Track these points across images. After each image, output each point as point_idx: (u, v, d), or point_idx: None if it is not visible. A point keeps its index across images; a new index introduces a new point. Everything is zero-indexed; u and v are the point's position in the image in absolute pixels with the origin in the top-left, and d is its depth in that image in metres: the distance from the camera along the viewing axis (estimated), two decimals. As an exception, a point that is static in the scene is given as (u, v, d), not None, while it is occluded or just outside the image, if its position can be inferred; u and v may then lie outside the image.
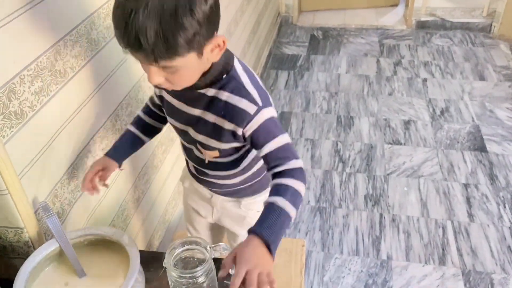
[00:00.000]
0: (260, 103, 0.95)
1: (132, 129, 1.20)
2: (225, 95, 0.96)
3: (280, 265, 1.57)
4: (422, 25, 4.13)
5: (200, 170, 1.18)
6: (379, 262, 2.08)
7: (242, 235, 1.31)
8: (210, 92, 0.98)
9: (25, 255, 0.99)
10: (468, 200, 2.37)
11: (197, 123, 1.03)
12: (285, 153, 0.96)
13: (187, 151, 1.18)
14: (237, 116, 0.95)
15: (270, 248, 0.84)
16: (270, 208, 0.89)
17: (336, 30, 4.20)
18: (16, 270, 0.90)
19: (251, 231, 0.86)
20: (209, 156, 1.09)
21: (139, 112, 1.23)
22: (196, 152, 1.13)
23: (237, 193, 1.24)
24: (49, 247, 0.95)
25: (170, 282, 0.91)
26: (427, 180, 2.50)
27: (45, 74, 1.01)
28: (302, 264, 1.59)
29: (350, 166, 2.62)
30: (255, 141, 0.98)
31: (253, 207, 1.26)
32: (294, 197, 0.91)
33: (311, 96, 3.26)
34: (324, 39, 4.06)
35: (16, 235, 0.99)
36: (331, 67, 3.60)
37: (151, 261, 1.05)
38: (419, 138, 2.82)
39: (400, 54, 3.75)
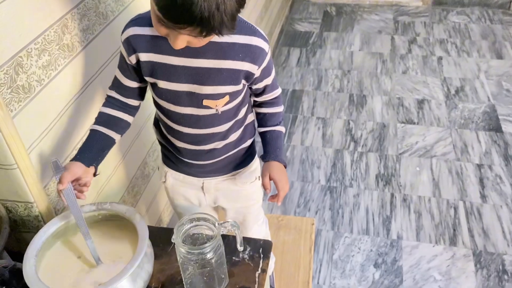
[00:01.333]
0: (266, 38, 1.01)
1: (98, 128, 1.05)
2: (240, 38, 0.97)
3: (290, 242, 1.58)
4: (438, 2, 4.02)
5: (197, 141, 1.11)
6: (389, 241, 2.07)
7: (239, 208, 1.31)
8: (223, 38, 0.94)
9: (35, 229, 1.00)
10: (481, 181, 2.34)
11: (206, 75, 0.98)
12: (273, 84, 1.13)
13: (181, 122, 1.08)
14: (257, 56, 0.99)
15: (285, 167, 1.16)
16: (278, 136, 1.18)
17: (350, 7, 4.11)
18: (27, 244, 0.91)
19: (276, 158, 1.14)
20: (221, 104, 1.04)
21: (101, 108, 1.09)
22: (200, 112, 1.05)
23: (230, 164, 1.21)
24: (60, 221, 0.96)
25: (178, 258, 0.91)
26: (439, 160, 2.47)
27: (53, 48, 1.00)
28: (312, 242, 1.59)
29: (362, 146, 2.59)
30: (259, 78, 1.06)
31: (247, 180, 1.26)
32: (283, 120, 1.21)
33: (323, 74, 3.21)
34: (338, 15, 3.98)
35: (26, 210, 1.00)
36: (344, 45, 3.53)
37: (160, 237, 1.06)
38: (432, 117, 2.77)
39: (415, 32, 3.66)
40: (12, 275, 0.94)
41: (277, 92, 1.16)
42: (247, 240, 1.06)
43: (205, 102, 1.02)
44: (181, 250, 0.88)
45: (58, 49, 1.02)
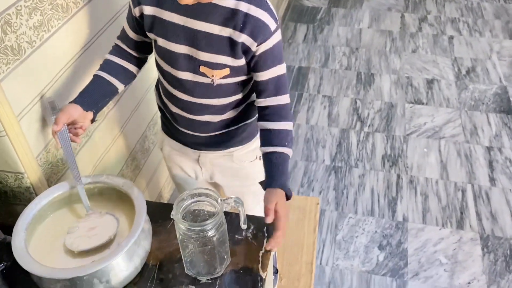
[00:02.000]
0: (278, 21, 0.94)
1: (102, 73, 1.02)
2: (245, 7, 0.91)
3: (293, 222, 1.53)
4: (451, -21, 3.88)
5: (191, 109, 1.06)
6: (394, 223, 2.02)
7: (237, 186, 1.25)
8: (228, 3, 0.91)
9: (27, 202, 0.94)
10: (490, 164, 2.27)
11: (205, 39, 0.94)
12: (281, 84, 1.00)
13: (177, 87, 1.04)
14: (257, 30, 0.92)
15: (287, 197, 0.97)
16: (285, 160, 0.99)
17: (359, -17, 3.97)
18: (18, 217, 0.86)
19: (284, 188, 0.96)
20: (218, 75, 0.98)
21: (106, 56, 1.06)
22: (196, 79, 1.00)
23: (227, 141, 1.15)
24: (53, 193, 0.90)
25: (178, 235, 0.85)
26: (448, 142, 2.40)
27: (45, 7, 0.92)
28: (316, 222, 1.54)
29: (369, 125, 2.52)
30: (261, 62, 0.96)
31: (245, 158, 1.20)
32: (292, 139, 1.03)
33: (330, 51, 3.12)
34: (346, -9, 3.85)
35: (17, 180, 0.94)
36: (353, 21, 3.43)
37: (160, 212, 1.00)
38: (442, 98, 2.69)
39: (426, 10, 3.54)
40: (2, 249, 0.89)
41: (284, 99, 1.01)
42: (250, 218, 1.00)
43: (202, 68, 0.98)
44: (181, 226, 0.82)
45: (51, 9, 0.94)
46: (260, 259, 0.93)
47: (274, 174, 0.98)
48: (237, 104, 1.08)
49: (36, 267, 0.77)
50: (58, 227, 0.90)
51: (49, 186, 0.99)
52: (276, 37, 0.95)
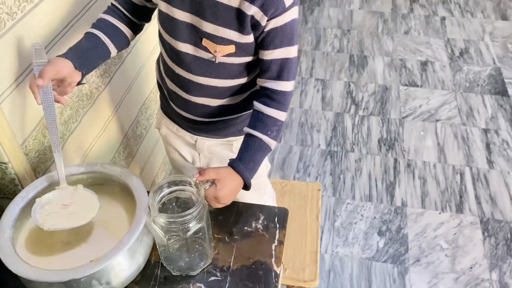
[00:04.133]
0: None
1: (97, 33, 0.91)
2: None
3: (295, 210, 1.45)
4: (441, -41, 3.82)
5: (189, 88, 0.96)
6: (393, 208, 1.97)
7: None
8: None
9: (12, 195, 0.84)
10: (487, 146, 2.24)
11: (211, 8, 0.85)
12: (286, 68, 0.91)
13: (176, 60, 0.95)
14: (269, 2, 0.83)
15: (245, 185, 0.88)
16: (257, 144, 0.89)
17: (348, -37, 3.87)
18: (2, 213, 0.76)
19: (238, 169, 0.86)
20: (222, 51, 0.89)
21: (101, 15, 0.96)
22: (196, 53, 0.91)
23: (225, 128, 1.06)
24: (41, 185, 0.81)
25: (156, 233, 0.76)
26: (444, 125, 2.36)
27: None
28: (319, 209, 1.46)
29: (363, 109, 2.46)
30: (268, 40, 0.87)
31: None
32: (278, 132, 0.93)
33: (321, 33, 3.03)
34: (335, -28, 3.75)
35: (0, 172, 0.84)
36: (343, 2, 3.34)
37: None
38: (436, 80, 2.64)
39: (417, -10, 3.47)
40: (-15, 248, 0.79)
41: (285, 85, 0.93)
42: (260, 208, 0.92)
43: (204, 42, 0.89)
44: (160, 220, 0.73)
45: (34, -22, 0.83)
46: (274, 252, 0.85)
47: (244, 157, 0.88)
48: (240, 89, 0.99)
49: (26, 269, 0.68)
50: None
51: (37, 177, 0.89)
52: (290, 15, 0.86)
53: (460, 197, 2.01)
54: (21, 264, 0.69)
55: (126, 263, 0.73)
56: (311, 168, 2.16)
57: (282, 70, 0.91)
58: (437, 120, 2.38)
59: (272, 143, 0.91)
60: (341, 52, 2.86)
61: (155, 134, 1.53)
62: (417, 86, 2.60)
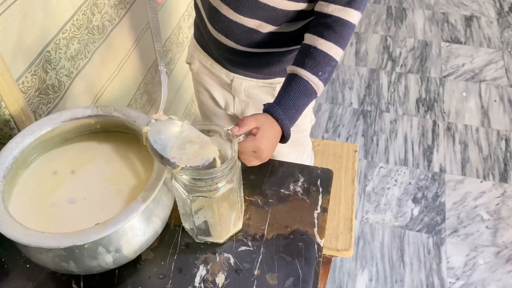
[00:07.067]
0: None
1: None
2: None
3: (328, 172, 1.30)
4: None
5: (239, 2, 0.79)
6: (430, 174, 1.81)
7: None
8: None
9: (5, 139, 0.71)
10: (537, 111, 2.03)
11: None
12: None
13: None
14: None
15: (283, 137, 0.73)
16: (302, 87, 0.73)
17: None
18: (-6, 159, 0.62)
19: (276, 115, 0.71)
20: None
21: None
22: None
23: (271, 65, 0.89)
24: (41, 129, 0.67)
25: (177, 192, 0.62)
26: (489, 85, 2.15)
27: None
28: (355, 172, 1.32)
29: (401, 65, 2.26)
30: None
31: None
32: (330, 75, 0.76)
33: (356, -18, 2.78)
34: None
35: (-8, 111, 0.70)
36: (381, -51, 3.05)
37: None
38: (482, 37, 2.40)
39: None
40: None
41: (353, 15, 0.74)
42: (299, 168, 0.77)
43: None
44: (184, 177, 0.59)
45: None
46: (316, 221, 0.71)
47: (284, 101, 0.72)
48: (299, 14, 0.80)
49: (19, 233, 0.55)
50: (49, 175, 0.67)
51: (36, 119, 0.76)
52: None
53: (505, 164, 1.84)
54: (12, 225, 0.56)
55: (141, 228, 0.59)
56: (342, 128, 2.00)
57: None
58: (481, 81, 2.17)
59: (320, 87, 0.75)
60: (378, 3, 2.63)
61: (176, 82, 1.37)
62: (461, 43, 2.38)
